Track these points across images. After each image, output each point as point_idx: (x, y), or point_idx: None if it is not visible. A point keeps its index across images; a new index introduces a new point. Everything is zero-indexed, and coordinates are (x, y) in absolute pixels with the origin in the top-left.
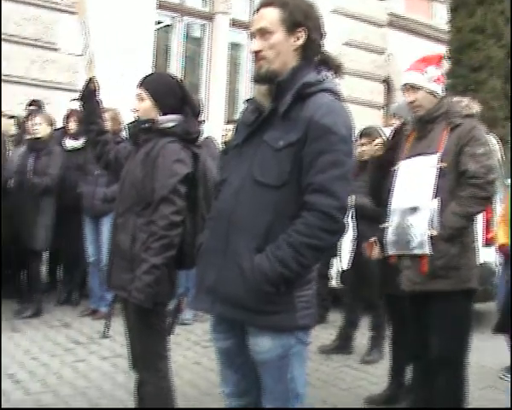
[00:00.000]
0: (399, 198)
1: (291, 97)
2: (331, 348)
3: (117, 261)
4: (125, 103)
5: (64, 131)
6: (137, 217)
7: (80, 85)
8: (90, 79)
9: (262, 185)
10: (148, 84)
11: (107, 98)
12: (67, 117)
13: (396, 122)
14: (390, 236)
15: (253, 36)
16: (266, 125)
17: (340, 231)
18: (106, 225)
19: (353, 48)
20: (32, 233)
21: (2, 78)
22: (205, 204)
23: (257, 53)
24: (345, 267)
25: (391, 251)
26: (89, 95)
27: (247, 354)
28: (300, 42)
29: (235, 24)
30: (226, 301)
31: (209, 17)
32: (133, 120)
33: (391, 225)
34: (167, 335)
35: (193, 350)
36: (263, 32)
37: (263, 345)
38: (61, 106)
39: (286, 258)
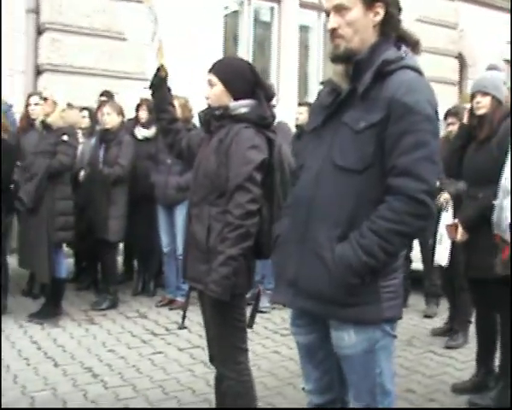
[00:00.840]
0: (505, 177)
1: (370, 76)
2: (444, 330)
3: (192, 252)
4: (194, 91)
5: (135, 121)
6: (212, 206)
7: (149, 75)
8: (160, 66)
9: (343, 170)
10: (218, 69)
11: (176, 86)
12: (138, 106)
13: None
14: (495, 214)
15: (328, 13)
16: (345, 107)
17: (429, 215)
18: (180, 215)
19: (426, 24)
20: (106, 224)
21: (73, 70)
22: (281, 191)
23: (333, 31)
24: (443, 263)
25: (495, 230)
26: (159, 83)
27: (330, 348)
28: (379, 17)
29: (304, 5)
30: (307, 295)
31: (277, 0)
32: (205, 106)
33: (497, 204)
34: (246, 327)
35: (271, 339)
36: (339, 9)
37: (347, 339)
38: (131, 96)
39: (371, 246)
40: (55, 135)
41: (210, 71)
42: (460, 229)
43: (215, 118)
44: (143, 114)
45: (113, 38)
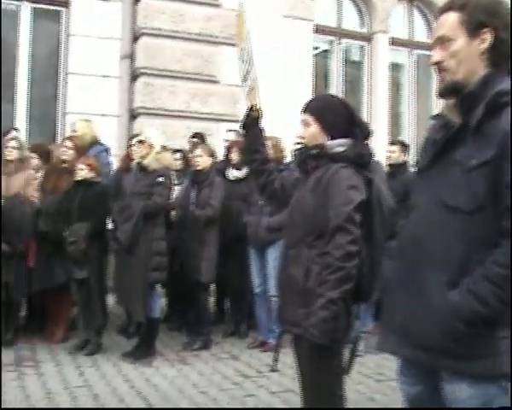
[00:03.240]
0: None
1: (483, 109)
2: None
3: (289, 296)
4: (285, 131)
5: (227, 162)
6: (310, 248)
7: (241, 116)
8: (252, 106)
9: (453, 210)
10: (313, 108)
11: (267, 126)
12: (229, 148)
13: None
14: None
15: (433, 47)
16: (456, 143)
17: None
18: (271, 255)
19: None
20: (198, 266)
21: (166, 113)
22: (381, 232)
23: (438, 64)
24: None
25: None
26: (251, 123)
27: (439, 401)
28: (486, 44)
29: (396, 43)
30: (417, 344)
31: (367, 38)
32: (299, 146)
33: None
34: (344, 374)
35: (365, 384)
36: (442, 41)
37: (460, 394)
38: (222, 137)
39: (484, 294)
40: (150, 177)
41: (305, 110)
42: None
43: (311, 158)
44: (235, 156)
45: (204, 80)
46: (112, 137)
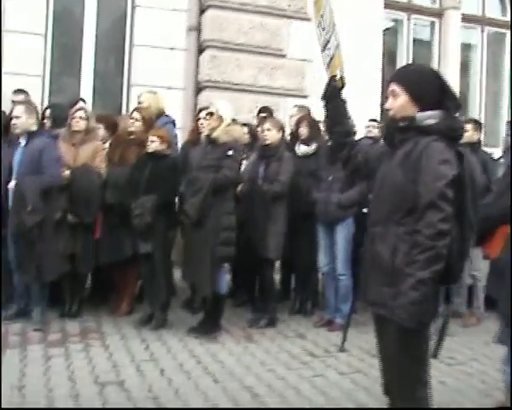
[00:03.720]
0: None
1: None
2: None
3: (374, 274)
4: (354, 108)
5: (295, 137)
6: (398, 225)
7: (308, 90)
8: (333, 76)
9: None
10: (402, 77)
11: None
12: (298, 122)
13: None
14: None
15: None
16: None
17: None
18: (341, 233)
19: None
20: (265, 241)
21: (233, 86)
22: (472, 210)
23: None
24: None
25: None
26: (333, 94)
27: None
28: None
29: (467, 19)
30: None
31: (439, 14)
32: (389, 118)
33: None
34: (430, 358)
35: (437, 368)
36: None
37: None
38: (289, 112)
39: None
40: (220, 150)
41: (393, 80)
42: None
43: (400, 130)
44: (304, 130)
45: (271, 54)
46: (177, 109)
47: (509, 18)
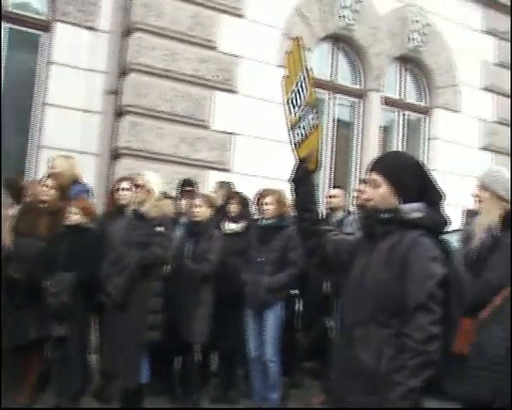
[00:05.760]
0: None
1: None
2: None
3: (356, 382)
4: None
5: (222, 214)
6: (382, 327)
7: (230, 164)
8: (304, 158)
9: None
10: (383, 166)
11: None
12: (228, 199)
13: None
14: None
15: None
16: None
17: None
18: (270, 318)
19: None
20: (190, 325)
21: (153, 155)
22: (456, 310)
23: None
24: None
25: None
26: (303, 177)
27: None
28: None
29: (387, 102)
30: None
31: (360, 95)
32: (369, 208)
33: None
34: None
35: None
36: None
37: None
38: (210, 185)
39: None
40: (148, 225)
41: (373, 169)
42: None
43: (382, 222)
44: (235, 208)
45: (194, 124)
46: (90, 176)
47: (424, 103)
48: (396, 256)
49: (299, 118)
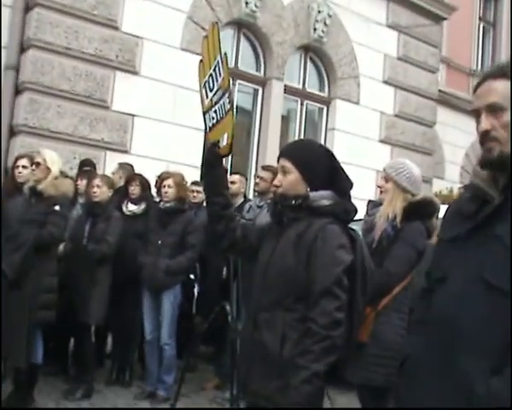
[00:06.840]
0: None
1: None
2: None
3: (259, 366)
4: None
5: (123, 196)
6: (287, 312)
7: (129, 145)
8: (216, 142)
9: (496, 290)
10: (293, 154)
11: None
12: (129, 180)
13: None
14: None
15: (477, 113)
16: (494, 218)
17: None
18: (167, 301)
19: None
20: (86, 306)
21: (51, 134)
22: (361, 299)
23: (486, 133)
24: None
25: None
26: (214, 161)
27: None
28: None
29: (289, 91)
30: None
31: (262, 82)
32: (278, 195)
33: None
34: None
35: None
36: (493, 109)
37: None
38: (109, 166)
39: None
40: (45, 204)
41: (282, 155)
42: None
43: (291, 209)
44: (135, 190)
45: (94, 104)
46: None
47: (324, 93)
48: (304, 243)
49: (214, 102)
